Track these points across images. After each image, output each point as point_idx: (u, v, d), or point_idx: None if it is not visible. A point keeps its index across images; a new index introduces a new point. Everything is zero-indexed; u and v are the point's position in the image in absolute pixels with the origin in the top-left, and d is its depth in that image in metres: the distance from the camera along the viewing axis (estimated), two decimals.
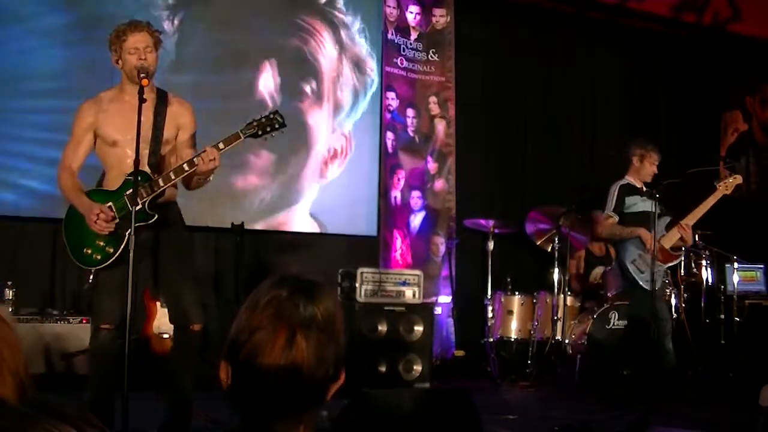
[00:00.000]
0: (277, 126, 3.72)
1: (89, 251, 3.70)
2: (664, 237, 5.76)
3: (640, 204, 5.84)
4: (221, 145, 3.65)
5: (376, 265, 6.50)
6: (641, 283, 5.71)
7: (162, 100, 3.82)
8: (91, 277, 3.72)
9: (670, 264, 5.89)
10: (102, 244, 3.69)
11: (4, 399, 1.03)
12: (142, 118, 3.49)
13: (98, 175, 3.89)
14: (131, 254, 3.39)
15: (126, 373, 3.33)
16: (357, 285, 5.75)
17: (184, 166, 3.65)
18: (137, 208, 3.50)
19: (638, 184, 5.91)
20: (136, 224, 3.47)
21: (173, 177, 3.67)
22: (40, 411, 0.93)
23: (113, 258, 3.67)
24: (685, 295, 6.80)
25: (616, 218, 5.87)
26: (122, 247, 3.65)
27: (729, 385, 6.11)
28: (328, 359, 1.43)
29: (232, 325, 1.45)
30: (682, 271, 6.82)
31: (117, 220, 3.65)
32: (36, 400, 0.99)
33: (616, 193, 5.90)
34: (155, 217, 3.66)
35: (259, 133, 3.71)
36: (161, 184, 3.66)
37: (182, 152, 3.85)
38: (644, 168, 5.89)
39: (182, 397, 3.80)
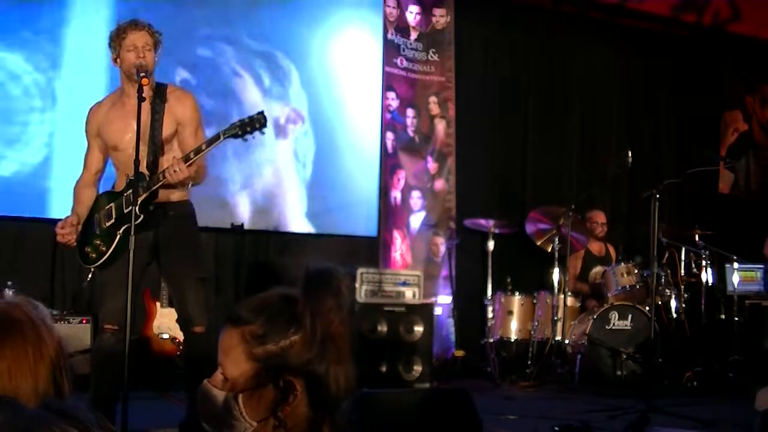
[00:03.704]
0: (258, 126, 3.60)
1: (88, 250, 3.76)
2: None
3: None
4: (191, 155, 3.61)
5: (376, 265, 6.50)
6: None
7: (160, 97, 3.74)
8: (90, 275, 3.75)
9: None
10: (98, 242, 3.73)
11: (17, 400, 1.04)
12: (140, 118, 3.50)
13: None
14: (131, 254, 3.39)
15: (126, 373, 3.33)
16: (357, 285, 5.75)
17: (160, 176, 3.63)
18: (129, 209, 3.52)
19: None
20: (126, 225, 3.53)
21: (160, 179, 3.64)
22: (53, 413, 0.94)
23: (105, 257, 3.69)
24: (685, 295, 6.80)
25: None
26: (113, 246, 3.68)
27: (729, 385, 6.11)
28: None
29: (299, 342, 1.41)
30: (682, 271, 6.82)
31: (96, 232, 3.74)
32: (52, 403, 1.00)
33: None
34: (141, 218, 3.58)
35: (239, 133, 3.59)
36: (151, 185, 3.65)
37: (186, 147, 3.76)
38: None
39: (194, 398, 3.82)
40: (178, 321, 3.88)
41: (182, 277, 3.81)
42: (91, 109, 3.87)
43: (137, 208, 3.59)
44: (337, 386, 1.39)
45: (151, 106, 3.71)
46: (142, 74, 3.51)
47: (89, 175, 3.86)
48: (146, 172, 3.69)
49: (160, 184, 3.63)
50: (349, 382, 1.40)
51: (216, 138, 3.60)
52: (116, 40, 3.69)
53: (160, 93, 3.76)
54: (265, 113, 3.65)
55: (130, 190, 3.58)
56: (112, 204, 3.73)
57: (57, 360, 1.23)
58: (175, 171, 3.54)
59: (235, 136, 3.60)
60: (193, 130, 3.81)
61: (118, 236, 3.67)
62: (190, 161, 3.59)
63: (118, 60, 3.70)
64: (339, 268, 1.47)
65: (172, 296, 3.91)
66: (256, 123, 3.60)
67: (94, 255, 3.73)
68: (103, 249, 3.71)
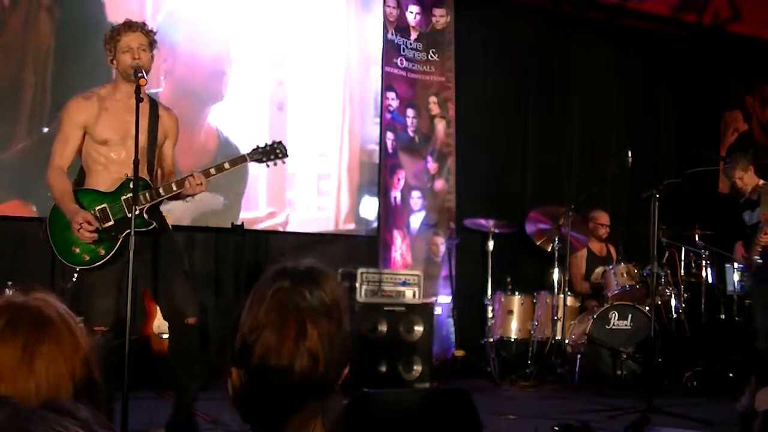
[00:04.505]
0: (280, 155, 3.89)
1: (78, 250, 3.68)
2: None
3: (748, 217, 5.96)
4: (212, 171, 3.72)
5: (376, 265, 6.50)
6: None
7: (154, 106, 3.84)
8: (75, 276, 3.72)
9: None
10: (93, 245, 3.68)
11: (12, 399, 1.05)
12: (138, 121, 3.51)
13: (76, 173, 3.87)
14: (131, 255, 3.39)
15: (126, 373, 3.33)
16: (357, 285, 5.75)
17: (173, 185, 3.69)
18: (136, 214, 3.50)
19: (754, 197, 5.93)
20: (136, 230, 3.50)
21: (173, 189, 3.69)
22: (52, 411, 0.95)
23: (103, 260, 3.67)
24: (685, 295, 6.80)
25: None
26: (114, 250, 3.66)
27: (729, 385, 6.11)
28: (339, 342, 1.43)
29: (240, 329, 1.43)
30: (682, 271, 6.82)
31: (99, 230, 3.62)
32: (51, 402, 1.01)
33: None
34: (153, 225, 3.66)
35: (263, 159, 3.87)
36: (162, 193, 3.68)
37: (165, 163, 3.92)
38: (742, 183, 5.97)
39: (185, 394, 3.80)
40: (165, 317, 3.87)
41: (173, 271, 3.82)
42: (74, 101, 3.80)
43: (146, 214, 3.62)
44: (299, 382, 1.38)
45: (149, 113, 3.77)
46: (139, 75, 3.54)
47: (63, 170, 3.75)
48: (147, 177, 3.71)
49: (174, 193, 3.67)
50: (304, 378, 1.38)
51: (242, 159, 3.82)
52: (111, 42, 3.72)
53: (153, 103, 3.86)
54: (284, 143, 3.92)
55: (130, 194, 3.58)
56: (106, 205, 3.69)
57: (89, 353, 1.29)
58: (198, 184, 3.67)
59: (259, 161, 3.87)
60: (173, 145, 3.97)
61: (120, 240, 3.65)
62: (211, 177, 3.72)
63: (114, 62, 3.74)
64: (323, 268, 1.48)
65: (160, 292, 3.82)
66: (278, 152, 3.88)
67: (87, 257, 3.67)
68: (101, 252, 3.67)
